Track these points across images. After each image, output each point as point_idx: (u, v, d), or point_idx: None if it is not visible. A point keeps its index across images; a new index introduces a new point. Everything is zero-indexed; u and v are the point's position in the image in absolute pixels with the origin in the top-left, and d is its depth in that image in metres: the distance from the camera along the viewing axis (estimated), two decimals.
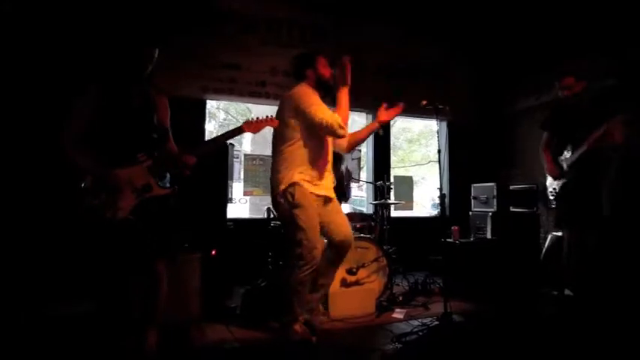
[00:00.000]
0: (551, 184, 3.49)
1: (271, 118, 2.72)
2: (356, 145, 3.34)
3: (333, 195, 2.98)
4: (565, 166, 3.36)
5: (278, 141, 2.87)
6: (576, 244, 3.25)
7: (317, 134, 2.80)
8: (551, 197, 3.52)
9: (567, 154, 3.35)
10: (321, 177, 2.87)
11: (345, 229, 2.93)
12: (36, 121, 3.85)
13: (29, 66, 3.97)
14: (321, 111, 2.71)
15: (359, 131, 3.28)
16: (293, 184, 2.74)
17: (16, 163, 3.83)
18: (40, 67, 4.01)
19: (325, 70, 2.92)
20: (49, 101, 3.86)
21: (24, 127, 3.88)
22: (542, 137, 3.59)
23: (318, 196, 2.83)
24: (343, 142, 3.12)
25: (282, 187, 2.77)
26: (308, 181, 2.78)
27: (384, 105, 3.12)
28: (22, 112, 3.91)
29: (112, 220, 2.23)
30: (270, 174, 2.91)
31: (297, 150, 2.78)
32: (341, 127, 2.71)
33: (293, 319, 2.79)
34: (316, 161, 2.83)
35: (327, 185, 2.92)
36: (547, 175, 3.54)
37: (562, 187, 3.38)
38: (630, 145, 3.23)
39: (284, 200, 2.77)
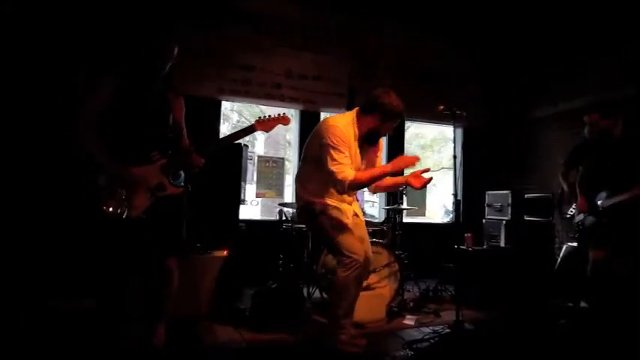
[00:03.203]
0: (580, 217, 3.46)
1: (283, 116, 2.69)
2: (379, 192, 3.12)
3: (359, 211, 2.98)
4: (600, 205, 3.29)
5: (309, 153, 2.80)
6: (603, 269, 3.23)
7: None
8: (576, 228, 3.50)
9: (603, 194, 3.29)
10: (343, 199, 2.82)
11: (365, 245, 2.83)
12: (41, 120, 3.90)
13: (30, 65, 4.00)
14: (338, 164, 2.57)
15: (386, 180, 2.89)
16: (313, 202, 2.75)
17: (21, 162, 3.86)
18: (42, 65, 4.03)
19: (386, 131, 2.80)
20: (53, 100, 3.90)
21: (29, 125, 3.91)
22: (579, 173, 3.54)
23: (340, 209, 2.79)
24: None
25: (301, 203, 2.81)
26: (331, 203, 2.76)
27: (419, 171, 2.76)
28: (28, 109, 3.94)
29: (127, 218, 2.23)
30: (296, 182, 2.89)
31: (323, 174, 2.68)
32: (342, 187, 2.59)
33: (339, 326, 2.69)
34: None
35: (351, 204, 2.90)
36: (576, 208, 3.51)
37: (594, 225, 3.33)
38: None
39: (307, 213, 2.78)
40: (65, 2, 4.14)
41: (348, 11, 5.39)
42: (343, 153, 2.61)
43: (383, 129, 2.77)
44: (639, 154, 3.16)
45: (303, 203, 2.82)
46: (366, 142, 2.82)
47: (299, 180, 2.87)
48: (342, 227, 2.71)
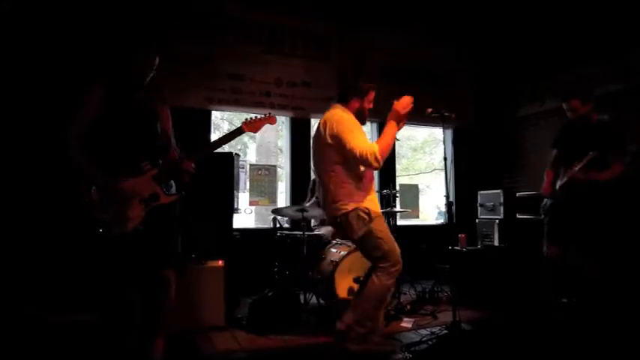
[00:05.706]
0: (546, 201, 3.50)
1: (270, 116, 2.71)
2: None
3: None
4: (557, 186, 3.34)
5: (325, 161, 2.74)
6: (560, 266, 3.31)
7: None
8: (542, 214, 3.53)
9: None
10: (369, 193, 2.78)
11: None
12: (38, 122, 3.86)
13: (29, 66, 3.98)
14: (357, 138, 2.61)
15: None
16: (366, 207, 2.68)
17: (16, 166, 3.83)
18: (41, 66, 4.02)
19: (370, 105, 2.87)
20: (50, 101, 3.87)
21: (28, 128, 3.89)
22: (551, 156, 3.57)
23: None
24: None
25: (350, 208, 2.65)
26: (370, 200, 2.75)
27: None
28: (25, 112, 3.92)
29: (122, 233, 2.22)
30: (324, 196, 2.80)
31: (348, 171, 2.68)
32: (376, 160, 2.56)
33: (375, 329, 2.69)
34: (365, 179, 2.75)
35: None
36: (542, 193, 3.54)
37: (551, 207, 3.39)
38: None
39: (356, 220, 2.66)
40: (64, 3, 4.15)
41: (336, 16, 5.42)
42: (361, 133, 2.68)
43: (366, 104, 2.86)
44: (616, 138, 3.19)
45: (352, 208, 2.65)
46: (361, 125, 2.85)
47: (334, 186, 2.69)
48: (390, 233, 2.73)
